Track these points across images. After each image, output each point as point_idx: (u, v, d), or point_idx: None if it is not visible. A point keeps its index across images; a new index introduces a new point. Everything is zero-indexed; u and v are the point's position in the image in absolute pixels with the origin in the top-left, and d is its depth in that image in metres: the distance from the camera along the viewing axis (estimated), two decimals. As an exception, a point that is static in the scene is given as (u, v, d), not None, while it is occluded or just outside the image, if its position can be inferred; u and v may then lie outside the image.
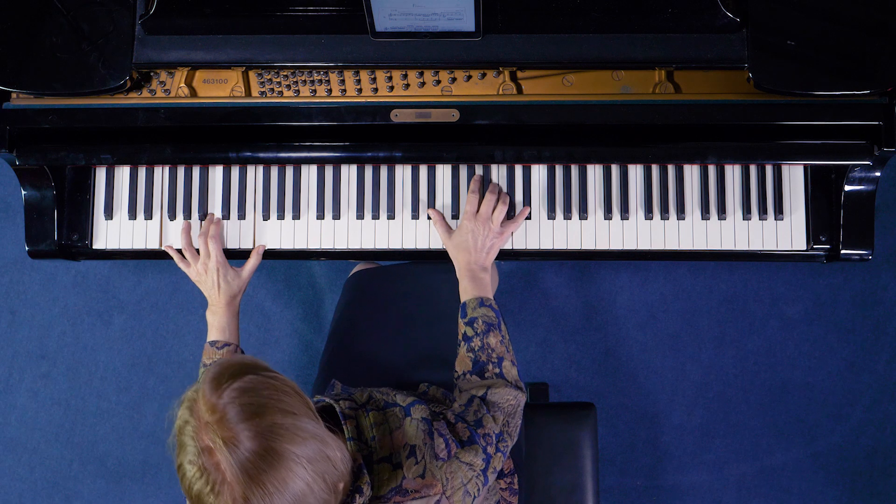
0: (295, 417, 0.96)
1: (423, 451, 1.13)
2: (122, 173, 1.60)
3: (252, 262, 1.55)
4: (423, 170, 1.57)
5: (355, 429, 1.14)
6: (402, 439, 1.15)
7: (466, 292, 1.41)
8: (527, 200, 1.55)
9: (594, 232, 1.56)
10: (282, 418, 0.95)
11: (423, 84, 1.50)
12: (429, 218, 1.56)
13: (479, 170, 1.56)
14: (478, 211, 1.49)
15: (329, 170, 1.57)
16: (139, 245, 1.59)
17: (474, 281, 1.42)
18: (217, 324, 1.51)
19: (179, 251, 1.56)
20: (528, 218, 1.55)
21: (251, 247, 1.58)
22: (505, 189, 1.55)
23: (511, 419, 1.26)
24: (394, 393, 1.24)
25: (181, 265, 1.55)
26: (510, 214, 1.53)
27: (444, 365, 1.52)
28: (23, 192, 1.57)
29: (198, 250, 1.54)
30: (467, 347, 1.35)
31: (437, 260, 1.55)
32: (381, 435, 1.15)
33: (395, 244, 1.57)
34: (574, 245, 1.56)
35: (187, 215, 1.58)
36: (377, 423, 1.16)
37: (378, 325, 1.62)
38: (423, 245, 1.56)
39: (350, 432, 1.13)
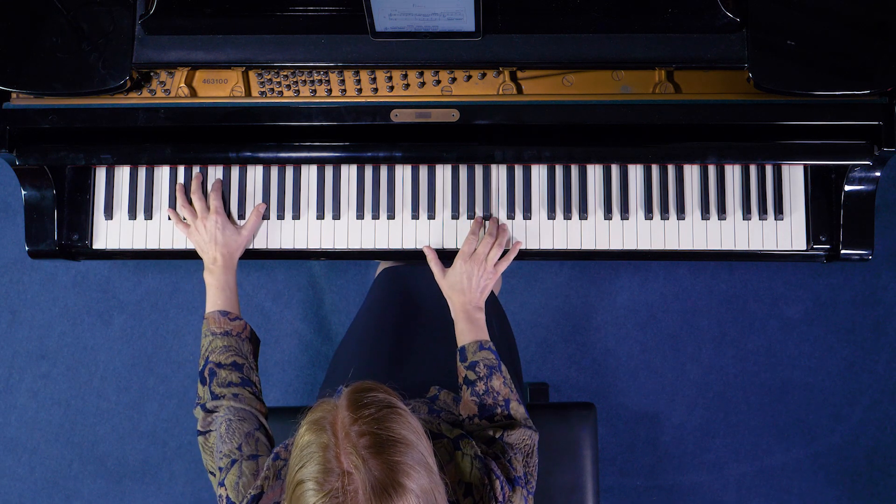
0: (427, 463, 0.99)
1: (482, 493, 1.13)
2: (122, 173, 1.60)
3: (252, 221, 1.54)
4: (423, 170, 1.57)
5: None
6: (455, 475, 1.13)
7: (463, 335, 1.41)
8: (527, 200, 1.56)
9: (594, 232, 1.56)
10: (413, 455, 0.97)
11: (423, 84, 1.50)
12: (430, 217, 1.56)
13: (479, 170, 1.56)
14: (474, 251, 1.48)
15: (329, 170, 1.57)
16: (139, 245, 1.59)
17: (470, 322, 1.42)
18: (216, 282, 1.45)
19: (176, 214, 1.55)
20: (528, 218, 1.55)
21: (250, 247, 1.57)
22: (505, 190, 1.55)
23: (529, 459, 1.26)
24: (437, 422, 1.22)
25: (179, 227, 1.53)
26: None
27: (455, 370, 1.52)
28: (23, 192, 1.57)
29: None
30: (471, 391, 1.34)
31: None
32: None
33: (395, 244, 1.57)
34: (574, 245, 1.56)
35: (187, 215, 1.58)
36: None
37: (398, 323, 1.62)
38: (422, 245, 1.56)
39: None
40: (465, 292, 1.45)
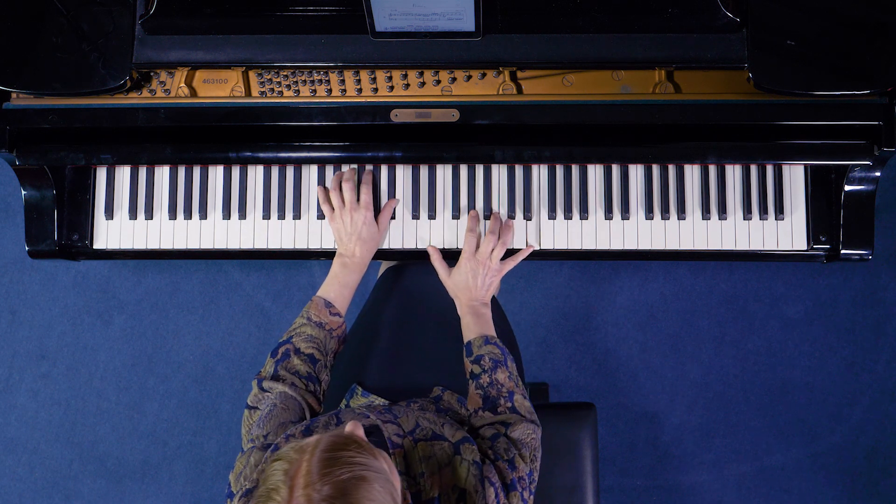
0: None
1: (475, 499, 1.11)
2: (123, 173, 1.60)
3: (386, 213, 1.53)
4: (424, 170, 1.57)
5: (403, 461, 1.11)
6: (451, 479, 1.12)
7: (469, 329, 1.42)
8: (527, 200, 1.55)
9: (594, 232, 1.56)
10: None
11: (423, 84, 1.50)
12: (430, 217, 1.56)
13: (479, 170, 1.56)
14: (476, 250, 1.49)
15: (329, 170, 1.57)
16: (139, 245, 1.59)
17: (476, 317, 1.43)
18: (342, 276, 1.46)
19: (325, 193, 1.53)
20: (528, 219, 1.55)
21: (251, 247, 1.58)
22: (505, 189, 1.55)
23: (536, 454, 1.26)
24: (441, 422, 1.22)
25: (325, 207, 1.52)
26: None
27: (461, 371, 1.51)
28: (23, 192, 1.57)
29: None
30: (476, 385, 1.35)
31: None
32: (429, 471, 1.11)
33: (396, 244, 1.57)
34: (574, 245, 1.56)
35: (188, 215, 1.58)
36: (426, 456, 1.12)
37: (401, 323, 1.62)
38: (423, 245, 1.56)
39: (399, 465, 1.09)
40: (470, 290, 1.46)
